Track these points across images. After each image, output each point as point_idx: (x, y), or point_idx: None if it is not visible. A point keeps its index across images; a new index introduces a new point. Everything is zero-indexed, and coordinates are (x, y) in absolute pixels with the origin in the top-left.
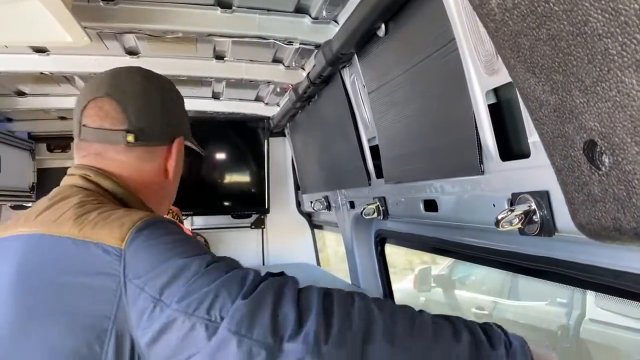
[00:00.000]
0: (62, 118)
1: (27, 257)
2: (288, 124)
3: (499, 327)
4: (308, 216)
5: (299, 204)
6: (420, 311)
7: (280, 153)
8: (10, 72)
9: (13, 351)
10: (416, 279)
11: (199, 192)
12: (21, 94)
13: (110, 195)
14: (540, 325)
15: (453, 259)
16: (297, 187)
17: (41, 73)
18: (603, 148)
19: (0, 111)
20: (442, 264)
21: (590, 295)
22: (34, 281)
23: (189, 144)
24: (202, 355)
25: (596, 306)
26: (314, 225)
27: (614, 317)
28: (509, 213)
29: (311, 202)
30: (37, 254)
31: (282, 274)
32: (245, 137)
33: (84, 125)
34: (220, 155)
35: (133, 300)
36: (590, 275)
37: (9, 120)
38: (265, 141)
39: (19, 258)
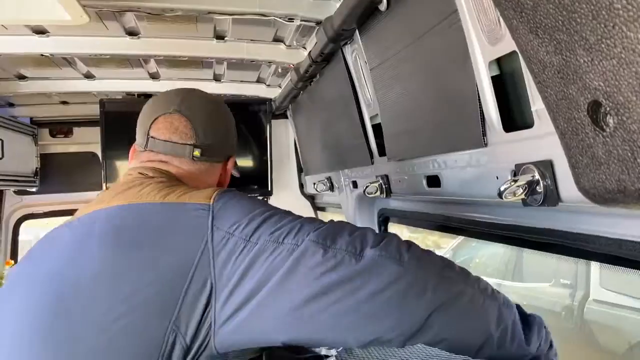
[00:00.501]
0: (64, 102)
1: (113, 222)
2: (290, 106)
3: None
4: (311, 198)
5: (301, 186)
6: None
7: (283, 135)
8: (11, 54)
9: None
10: None
11: None
12: (22, 77)
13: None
14: (544, 306)
15: (456, 242)
16: (299, 170)
17: (41, 55)
18: (607, 108)
19: (1, 96)
20: (445, 248)
21: (595, 276)
22: (122, 239)
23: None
24: (288, 264)
25: (600, 287)
26: (317, 207)
27: (618, 297)
28: (512, 184)
29: (314, 184)
30: (123, 216)
31: None
32: (247, 120)
33: (152, 137)
34: None
35: (222, 244)
36: (595, 246)
37: (11, 105)
38: (268, 124)
39: (105, 224)
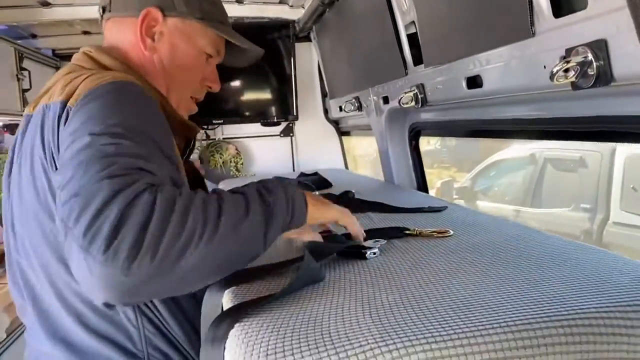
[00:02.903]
0: (86, 33)
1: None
2: (314, 27)
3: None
4: (335, 123)
5: (326, 112)
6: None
7: (307, 60)
8: None
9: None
10: (438, 192)
11: (228, 101)
12: (46, 4)
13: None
14: (563, 230)
15: (473, 173)
16: (324, 95)
17: None
18: None
19: (25, 25)
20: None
21: (615, 199)
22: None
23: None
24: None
25: (620, 210)
26: (342, 132)
27: (638, 219)
28: (565, 64)
29: (340, 107)
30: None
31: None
32: (271, 43)
33: None
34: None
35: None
36: None
37: (34, 36)
38: (292, 47)
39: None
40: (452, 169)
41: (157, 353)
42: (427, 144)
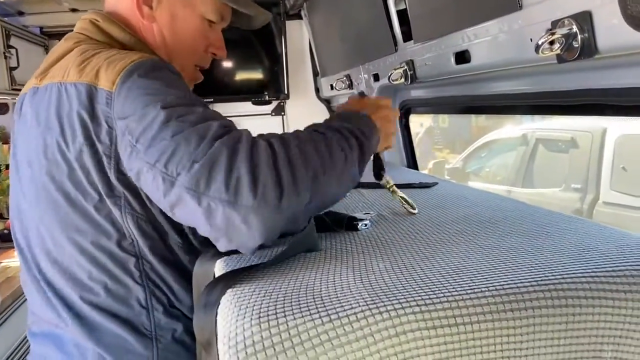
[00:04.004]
0: (74, 10)
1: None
2: (305, 4)
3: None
4: (327, 102)
5: (317, 91)
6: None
7: (298, 38)
8: None
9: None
10: (430, 173)
11: (218, 80)
12: None
13: (118, 45)
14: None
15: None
16: (315, 73)
17: None
18: None
19: (11, 2)
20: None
21: (605, 179)
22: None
23: None
24: (164, 205)
25: (610, 189)
26: (333, 110)
27: (627, 198)
28: (550, 36)
29: (331, 85)
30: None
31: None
32: None
33: None
34: (238, 42)
35: (120, 137)
36: (630, 98)
37: (21, 13)
38: (282, 25)
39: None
40: (444, 150)
41: (164, 332)
42: (420, 126)
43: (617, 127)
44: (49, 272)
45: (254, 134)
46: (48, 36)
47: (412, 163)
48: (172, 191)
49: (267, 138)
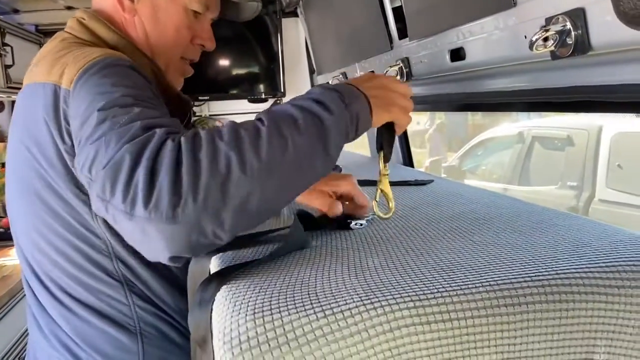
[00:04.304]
0: (69, 8)
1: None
2: (301, 2)
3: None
4: None
5: None
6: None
7: (294, 35)
8: None
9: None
10: (427, 171)
11: (214, 77)
12: None
13: (103, 43)
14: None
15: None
16: (311, 71)
17: None
18: None
19: (6, 0)
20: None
21: (601, 176)
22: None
23: None
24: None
25: (606, 187)
26: None
27: (622, 196)
28: (544, 33)
29: (328, 83)
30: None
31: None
32: (257, 19)
33: None
34: (234, 39)
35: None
36: (624, 95)
37: (16, 11)
38: (278, 23)
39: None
40: (442, 148)
41: (149, 328)
42: (417, 125)
43: (613, 124)
44: (33, 268)
45: None
46: (43, 34)
47: (409, 161)
48: (92, 198)
49: (193, 134)
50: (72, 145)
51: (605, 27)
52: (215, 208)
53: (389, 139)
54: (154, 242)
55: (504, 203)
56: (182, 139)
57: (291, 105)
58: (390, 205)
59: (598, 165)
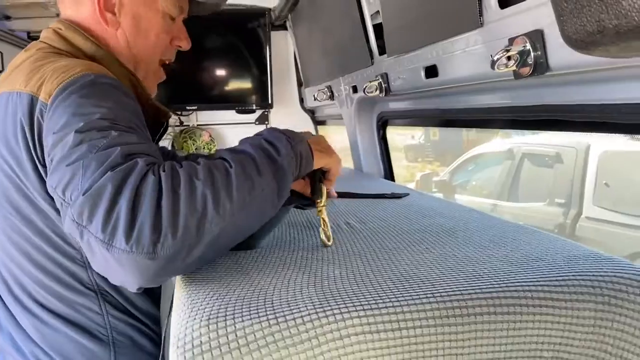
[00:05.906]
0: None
1: None
2: (290, 15)
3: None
4: (311, 112)
5: (302, 101)
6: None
7: (283, 48)
8: None
9: None
10: (417, 186)
11: (202, 88)
12: None
13: (81, 53)
14: (537, 224)
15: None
16: (299, 84)
17: None
18: None
19: None
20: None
21: (588, 194)
22: None
23: None
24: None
25: (593, 205)
26: (317, 121)
27: (609, 214)
28: (505, 53)
29: (314, 95)
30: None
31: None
32: (247, 31)
33: None
34: (223, 50)
35: (47, 152)
36: (583, 115)
37: (7, 17)
38: (267, 35)
39: None
40: (435, 162)
41: (121, 336)
42: (412, 139)
43: (600, 143)
44: (4, 278)
45: (238, 142)
46: (34, 40)
47: (389, 174)
48: (66, 219)
49: (171, 168)
50: (46, 156)
51: (561, 49)
52: (190, 244)
53: (321, 181)
54: (128, 273)
55: (472, 217)
56: (162, 174)
57: (249, 144)
58: (328, 233)
59: (585, 183)
